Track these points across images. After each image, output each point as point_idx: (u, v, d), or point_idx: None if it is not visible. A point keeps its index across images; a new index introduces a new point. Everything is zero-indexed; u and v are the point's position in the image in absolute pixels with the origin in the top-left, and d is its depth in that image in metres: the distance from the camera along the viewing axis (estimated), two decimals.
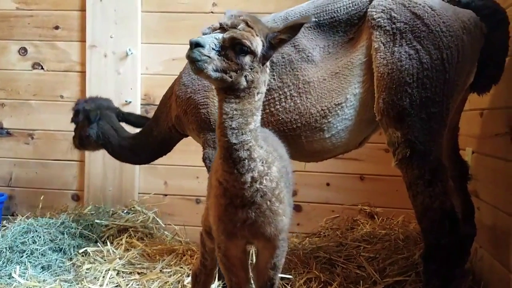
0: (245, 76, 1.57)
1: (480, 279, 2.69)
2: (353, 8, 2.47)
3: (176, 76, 3.17)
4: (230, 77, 1.54)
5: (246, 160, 1.59)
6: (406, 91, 2.21)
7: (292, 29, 1.64)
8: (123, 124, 3.53)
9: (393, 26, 2.27)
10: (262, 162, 1.64)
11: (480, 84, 2.43)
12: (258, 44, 1.58)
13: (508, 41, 2.37)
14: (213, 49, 1.53)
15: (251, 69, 1.57)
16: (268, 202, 1.69)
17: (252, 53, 1.56)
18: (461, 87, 2.35)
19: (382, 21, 2.30)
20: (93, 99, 3.53)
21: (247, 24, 1.58)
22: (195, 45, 1.51)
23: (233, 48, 1.55)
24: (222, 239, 1.79)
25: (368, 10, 2.38)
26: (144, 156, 3.42)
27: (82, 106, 3.44)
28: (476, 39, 2.31)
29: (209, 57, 1.51)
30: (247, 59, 1.56)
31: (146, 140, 3.32)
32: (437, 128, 2.24)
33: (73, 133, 3.56)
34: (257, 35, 1.58)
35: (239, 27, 1.56)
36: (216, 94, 1.64)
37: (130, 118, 3.59)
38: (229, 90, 1.57)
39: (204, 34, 1.60)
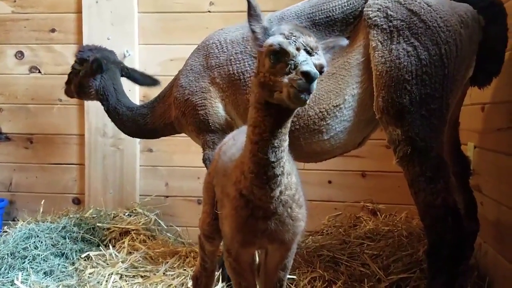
0: None
1: (485, 275, 2.67)
2: (348, 7, 2.46)
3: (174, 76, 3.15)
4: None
5: (279, 176, 1.56)
6: (406, 88, 2.20)
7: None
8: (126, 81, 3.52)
9: (390, 24, 2.26)
10: (287, 174, 1.62)
11: (480, 77, 2.41)
12: None
13: (506, 33, 2.35)
14: None
15: None
16: (289, 209, 1.67)
17: None
18: (461, 81, 2.33)
19: (378, 20, 2.29)
20: (99, 49, 3.47)
21: (320, 49, 1.51)
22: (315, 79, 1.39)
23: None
24: (236, 247, 1.76)
25: (364, 9, 2.38)
26: (131, 130, 3.40)
27: (91, 54, 3.37)
28: (474, 33, 2.30)
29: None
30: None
31: (138, 120, 3.30)
32: (438, 124, 2.23)
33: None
34: None
35: (318, 52, 1.48)
36: (257, 107, 1.51)
37: (135, 75, 3.52)
38: (286, 110, 1.50)
39: (282, 45, 1.45)
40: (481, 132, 2.92)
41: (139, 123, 3.30)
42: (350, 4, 2.46)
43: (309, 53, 1.45)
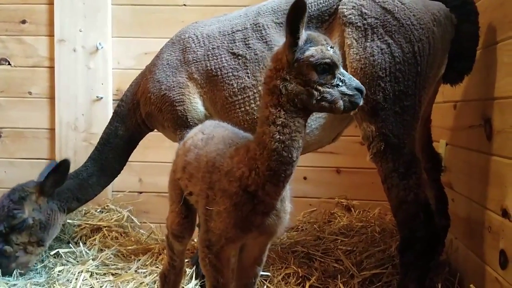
0: None
1: (456, 271, 2.71)
2: (324, 4, 2.48)
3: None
4: None
5: (292, 174, 1.63)
6: (380, 85, 2.22)
7: None
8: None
9: (364, 22, 2.28)
10: None
11: (452, 75, 2.45)
12: None
13: (478, 32, 2.38)
14: None
15: None
16: (284, 204, 1.74)
17: None
18: (433, 79, 2.37)
19: (353, 18, 2.31)
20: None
21: None
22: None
23: None
24: (223, 243, 1.74)
25: (339, 7, 2.39)
26: (112, 165, 3.29)
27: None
28: (446, 31, 2.33)
29: None
30: None
31: (111, 145, 3.23)
32: (411, 121, 2.26)
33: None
34: None
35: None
36: (274, 108, 1.58)
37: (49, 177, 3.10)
38: (310, 112, 1.62)
39: (333, 59, 1.58)
40: (453, 130, 2.96)
41: (116, 144, 3.23)
42: (326, 1, 2.48)
43: (340, 64, 1.62)
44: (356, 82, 1.59)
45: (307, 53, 1.55)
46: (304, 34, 1.58)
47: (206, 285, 1.86)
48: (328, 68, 1.55)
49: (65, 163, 3.04)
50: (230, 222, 1.68)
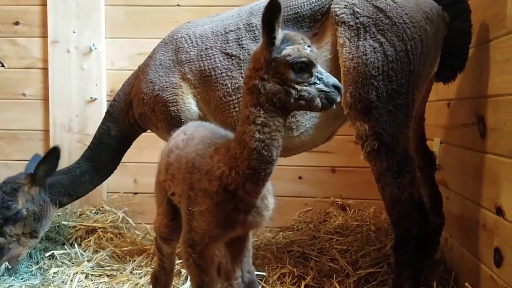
0: None
1: (451, 269, 2.71)
2: (316, 4, 2.48)
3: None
4: None
5: (271, 173, 1.65)
6: (372, 84, 2.22)
7: None
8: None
9: (357, 21, 2.28)
10: None
11: (444, 73, 2.45)
12: None
13: (471, 29, 2.39)
14: None
15: None
16: (266, 201, 1.75)
17: None
18: (426, 77, 2.37)
19: (345, 17, 2.31)
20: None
21: None
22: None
23: None
24: (207, 241, 1.75)
25: (332, 6, 2.39)
26: (105, 165, 3.29)
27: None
28: (439, 29, 2.34)
29: None
30: None
31: (104, 145, 3.23)
32: (404, 120, 2.25)
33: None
34: None
35: None
36: (262, 110, 1.59)
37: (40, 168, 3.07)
38: (289, 111, 1.64)
39: (310, 57, 1.60)
40: (447, 128, 2.96)
41: (108, 144, 3.22)
42: (318, 1, 2.48)
43: (317, 62, 1.63)
44: (333, 80, 1.61)
45: (284, 52, 1.57)
46: (281, 34, 1.60)
47: (191, 285, 1.85)
48: (305, 67, 1.57)
49: (56, 151, 3.01)
50: (213, 221, 1.69)
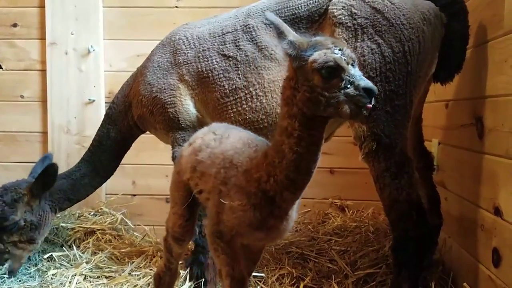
0: None
1: (449, 269, 2.71)
2: (313, 4, 2.47)
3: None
4: None
5: (308, 183, 1.65)
6: None
7: None
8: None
9: (354, 22, 2.28)
10: None
11: (442, 74, 2.46)
12: None
13: (468, 30, 2.39)
14: None
15: None
16: (293, 212, 1.77)
17: None
18: (423, 78, 2.37)
19: (343, 18, 2.31)
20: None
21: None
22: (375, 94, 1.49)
23: None
24: (233, 234, 1.75)
25: (329, 7, 2.39)
26: (105, 167, 3.29)
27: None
28: (436, 30, 2.34)
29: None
30: None
31: (103, 147, 3.23)
32: (402, 121, 2.26)
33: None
34: None
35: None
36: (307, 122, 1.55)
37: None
38: (324, 121, 1.59)
39: (338, 61, 1.50)
40: (445, 129, 2.96)
41: (108, 146, 3.22)
42: (315, 1, 2.47)
43: (352, 66, 1.52)
44: (365, 82, 1.47)
45: (311, 58, 1.52)
46: (311, 40, 1.57)
47: (220, 275, 1.83)
48: (333, 72, 1.48)
49: (52, 167, 3.02)
50: (245, 220, 1.69)
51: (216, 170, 1.79)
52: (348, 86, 1.47)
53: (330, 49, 1.52)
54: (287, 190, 1.63)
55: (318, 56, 1.51)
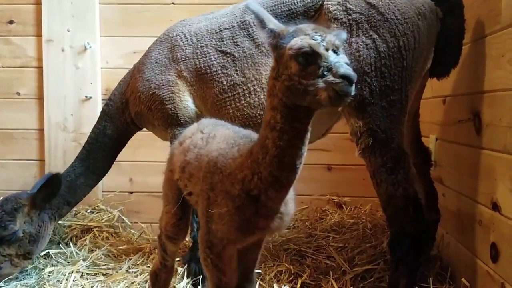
0: None
1: (447, 265, 2.71)
2: (309, 0, 2.46)
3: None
4: None
5: (295, 180, 1.58)
6: (366, 80, 2.22)
7: None
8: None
9: (349, 17, 2.28)
10: None
11: (438, 69, 2.45)
12: None
13: (464, 25, 2.38)
14: None
15: None
16: (288, 207, 1.69)
17: None
18: (419, 73, 2.36)
19: (338, 13, 2.31)
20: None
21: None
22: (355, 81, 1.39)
23: None
24: (225, 243, 1.70)
25: (324, 2, 2.39)
26: (101, 165, 3.26)
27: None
28: (431, 24, 2.33)
29: None
30: None
31: (99, 144, 3.21)
32: (398, 116, 2.25)
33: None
34: None
35: (341, 49, 1.48)
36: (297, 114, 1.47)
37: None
38: (312, 110, 1.50)
39: (313, 46, 1.41)
40: (443, 124, 2.96)
41: (104, 143, 3.20)
42: None
43: (335, 52, 1.43)
44: (344, 69, 1.37)
45: (288, 45, 1.44)
46: (270, 30, 1.50)
47: (209, 285, 1.81)
48: (309, 58, 1.40)
49: (57, 177, 2.97)
50: (233, 225, 1.63)
51: (203, 174, 1.74)
52: (326, 73, 1.38)
53: (308, 35, 1.44)
54: (272, 188, 1.56)
55: (294, 42, 1.43)
